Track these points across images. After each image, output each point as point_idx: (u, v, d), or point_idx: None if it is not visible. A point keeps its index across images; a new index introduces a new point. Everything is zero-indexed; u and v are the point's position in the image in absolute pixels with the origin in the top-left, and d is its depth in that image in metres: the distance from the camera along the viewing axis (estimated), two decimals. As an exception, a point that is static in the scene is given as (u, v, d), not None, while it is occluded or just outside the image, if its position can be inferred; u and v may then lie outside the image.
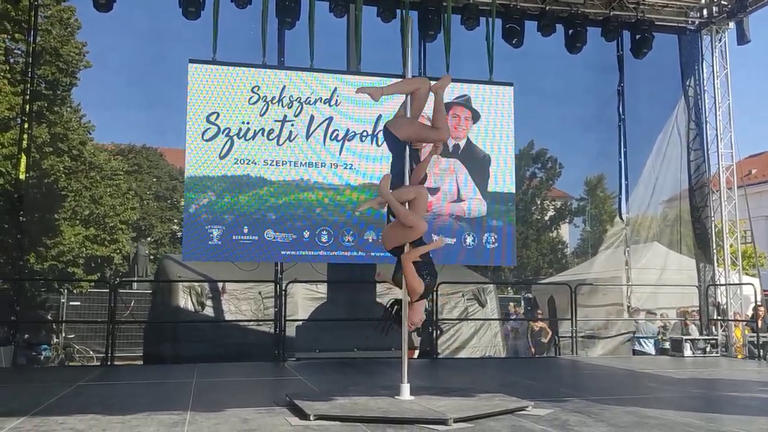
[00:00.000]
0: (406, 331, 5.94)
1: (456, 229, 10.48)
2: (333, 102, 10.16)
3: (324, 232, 10.02)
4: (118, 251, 18.11)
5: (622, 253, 13.56)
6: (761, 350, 10.96)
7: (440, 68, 10.79)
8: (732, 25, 11.95)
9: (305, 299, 11.66)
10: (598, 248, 15.79)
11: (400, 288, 5.82)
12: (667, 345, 12.23)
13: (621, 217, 13.70)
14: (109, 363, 9.47)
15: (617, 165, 12.95)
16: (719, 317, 11.72)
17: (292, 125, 10.00)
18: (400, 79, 6.62)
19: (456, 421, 4.92)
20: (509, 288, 23.31)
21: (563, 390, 7.08)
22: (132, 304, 14.63)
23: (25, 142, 10.76)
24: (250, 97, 9.90)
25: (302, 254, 10.00)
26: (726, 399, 6.99)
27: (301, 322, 10.72)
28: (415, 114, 6.04)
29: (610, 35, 11.80)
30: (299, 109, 10.04)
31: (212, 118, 9.71)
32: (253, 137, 9.85)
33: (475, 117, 10.70)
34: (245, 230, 9.74)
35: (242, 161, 9.79)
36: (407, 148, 5.91)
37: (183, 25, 10.30)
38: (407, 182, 5.89)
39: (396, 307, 5.90)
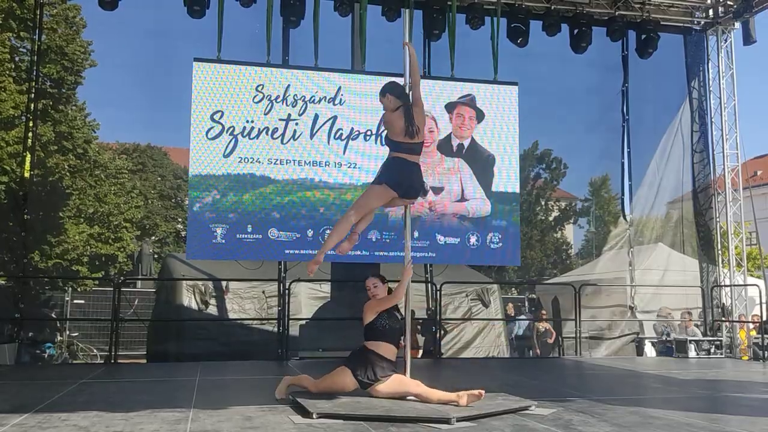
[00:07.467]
0: (410, 331, 6.01)
1: (460, 228, 10.46)
2: (337, 101, 10.15)
3: (328, 231, 9.99)
4: (122, 249, 18.15)
5: (626, 254, 13.52)
6: (766, 352, 10.91)
7: (445, 68, 10.80)
8: (738, 25, 11.92)
9: (309, 298, 11.66)
10: (602, 249, 15.75)
11: None
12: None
13: (625, 218, 13.66)
14: (112, 361, 9.47)
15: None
16: (724, 318, 11.68)
17: (297, 124, 10.00)
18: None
19: (459, 420, 4.91)
20: (513, 288, 23.26)
21: (567, 390, 7.05)
22: (136, 302, 14.67)
23: (30, 141, 10.80)
24: (255, 96, 9.90)
25: (306, 253, 9.97)
26: (730, 400, 6.95)
27: (304, 321, 10.72)
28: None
29: (616, 35, 11.77)
30: (303, 107, 10.04)
31: (216, 116, 9.72)
32: (257, 136, 9.85)
33: (480, 116, 10.68)
34: (249, 229, 9.74)
35: (246, 160, 9.79)
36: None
37: (188, 24, 10.32)
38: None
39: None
